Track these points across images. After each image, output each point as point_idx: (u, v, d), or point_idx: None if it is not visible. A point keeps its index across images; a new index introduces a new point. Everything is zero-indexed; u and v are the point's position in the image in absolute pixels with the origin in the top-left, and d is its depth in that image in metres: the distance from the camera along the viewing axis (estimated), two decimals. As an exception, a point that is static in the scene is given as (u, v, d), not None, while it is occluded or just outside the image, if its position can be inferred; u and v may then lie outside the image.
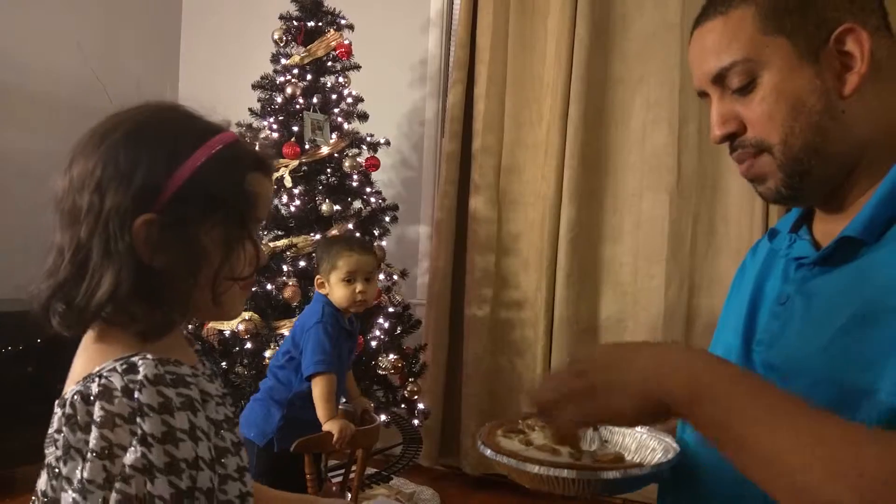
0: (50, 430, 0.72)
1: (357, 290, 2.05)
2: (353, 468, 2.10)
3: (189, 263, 0.75)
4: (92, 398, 0.68)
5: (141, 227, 0.72)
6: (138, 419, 0.67)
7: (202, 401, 0.72)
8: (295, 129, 3.00)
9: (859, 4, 0.79)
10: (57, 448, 0.69)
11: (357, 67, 3.18)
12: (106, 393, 0.68)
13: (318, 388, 1.97)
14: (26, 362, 2.96)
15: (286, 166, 2.92)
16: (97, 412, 0.67)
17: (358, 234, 2.96)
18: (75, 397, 0.69)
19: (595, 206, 3.27)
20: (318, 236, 2.86)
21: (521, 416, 0.94)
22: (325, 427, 1.93)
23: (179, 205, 0.73)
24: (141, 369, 0.69)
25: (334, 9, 3.16)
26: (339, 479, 2.32)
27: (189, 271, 0.75)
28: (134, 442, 0.66)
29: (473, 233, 3.44)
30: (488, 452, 0.83)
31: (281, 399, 2.04)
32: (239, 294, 0.81)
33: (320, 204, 2.91)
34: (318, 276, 2.12)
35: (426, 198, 3.73)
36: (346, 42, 3.10)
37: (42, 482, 0.73)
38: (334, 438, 1.91)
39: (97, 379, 0.69)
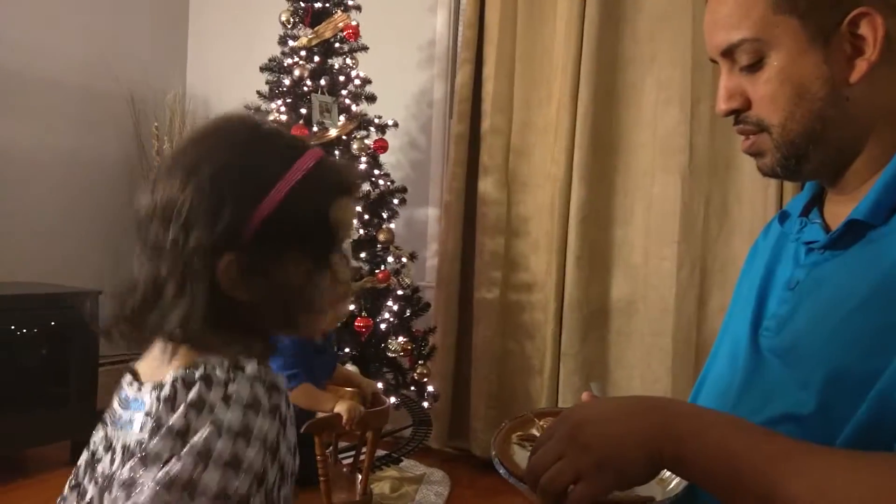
0: (130, 415, 0.74)
1: None
2: (364, 450, 2.10)
3: (270, 298, 0.74)
4: (192, 383, 0.70)
5: (224, 267, 0.71)
6: (223, 407, 0.68)
7: (284, 419, 0.72)
8: (303, 111, 2.98)
9: None
10: (143, 430, 0.70)
11: (365, 49, 3.15)
12: (207, 379, 0.69)
13: (299, 401, 1.94)
14: (40, 346, 2.98)
15: (294, 149, 2.90)
16: (191, 395, 0.68)
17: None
18: (176, 382, 0.70)
19: (605, 187, 3.24)
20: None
21: (535, 414, 0.91)
22: (336, 409, 1.93)
23: (263, 242, 0.72)
24: (246, 367, 0.71)
25: (341, -11, 3.14)
26: (350, 460, 2.32)
27: (270, 305, 0.74)
28: (208, 426, 0.67)
29: (482, 215, 3.42)
30: (502, 471, 0.79)
31: None
32: (328, 314, 0.82)
33: (329, 186, 2.90)
34: None
35: (435, 180, 3.71)
36: (354, 23, 3.08)
37: (107, 464, 0.74)
38: (344, 419, 1.91)
39: (202, 367, 0.71)
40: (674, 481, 0.84)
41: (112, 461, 0.73)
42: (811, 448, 0.66)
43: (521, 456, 0.83)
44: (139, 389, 0.75)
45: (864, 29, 0.75)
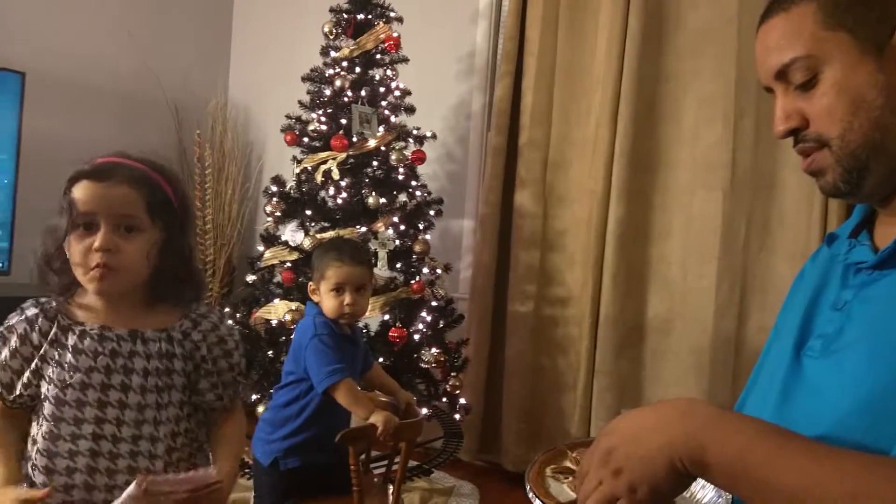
0: None
1: (345, 303, 1.96)
2: (396, 460, 2.10)
3: None
4: None
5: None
6: None
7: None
8: (343, 121, 3.01)
9: None
10: None
11: (405, 60, 3.17)
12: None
13: (342, 396, 1.91)
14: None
15: (334, 159, 2.93)
16: None
17: (357, 237, 2.90)
18: None
19: (644, 203, 3.21)
20: (364, 228, 2.87)
21: (567, 445, 0.93)
22: (370, 419, 1.93)
23: None
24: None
25: (384, 1, 3.17)
26: (382, 470, 2.32)
27: None
28: None
29: (518, 228, 3.41)
30: (537, 503, 0.82)
31: (284, 419, 1.99)
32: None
33: (367, 196, 2.92)
34: (310, 283, 2.05)
35: (471, 192, 3.71)
36: (395, 35, 3.10)
37: None
38: (379, 431, 1.91)
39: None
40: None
41: None
42: (841, 452, 0.66)
43: (556, 488, 0.84)
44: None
45: None
